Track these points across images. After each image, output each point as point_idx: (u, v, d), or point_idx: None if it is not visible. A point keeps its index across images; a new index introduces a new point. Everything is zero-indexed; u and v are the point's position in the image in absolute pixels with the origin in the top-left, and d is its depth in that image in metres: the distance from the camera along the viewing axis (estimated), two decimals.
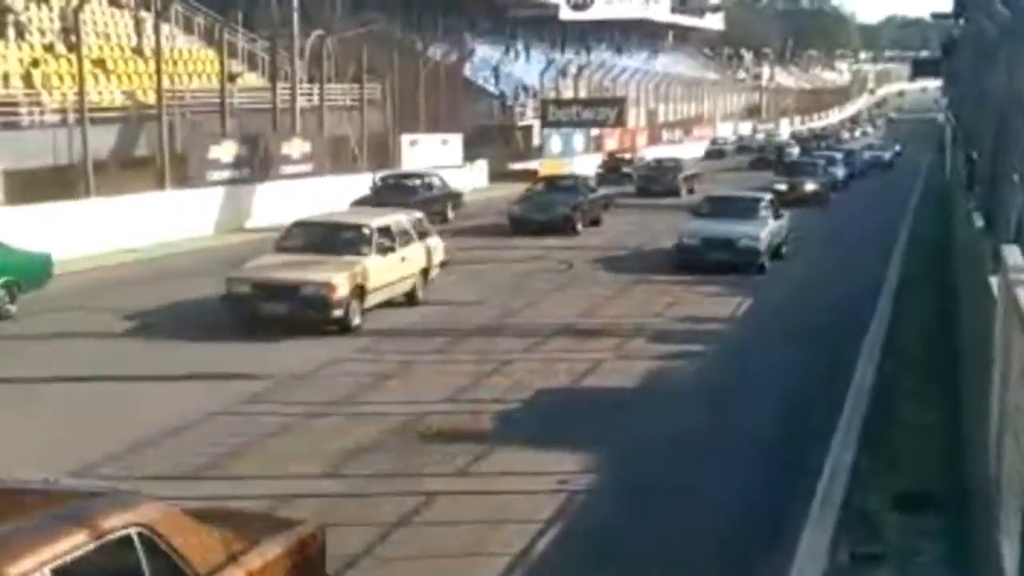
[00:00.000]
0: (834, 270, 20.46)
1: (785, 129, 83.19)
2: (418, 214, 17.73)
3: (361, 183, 30.13)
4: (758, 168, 48.09)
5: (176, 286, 17.37)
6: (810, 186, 34.13)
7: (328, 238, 15.58)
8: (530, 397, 11.58)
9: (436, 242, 17.37)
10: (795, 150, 57.47)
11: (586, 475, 9.17)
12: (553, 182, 29.51)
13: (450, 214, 28.11)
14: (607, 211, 28.90)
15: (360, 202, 25.38)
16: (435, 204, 26.87)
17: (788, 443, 10.10)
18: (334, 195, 26.86)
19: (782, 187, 32.53)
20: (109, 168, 24.36)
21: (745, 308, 17.08)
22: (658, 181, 37.91)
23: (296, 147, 29.84)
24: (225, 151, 26.91)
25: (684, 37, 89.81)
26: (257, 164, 27.88)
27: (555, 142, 47.30)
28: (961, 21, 24.72)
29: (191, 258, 21.46)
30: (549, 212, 26.06)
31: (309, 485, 8.75)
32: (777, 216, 21.66)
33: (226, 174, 26.69)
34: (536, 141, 47.56)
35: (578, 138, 49.21)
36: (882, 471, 8.75)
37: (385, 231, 15.76)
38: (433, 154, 36.69)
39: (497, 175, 39.11)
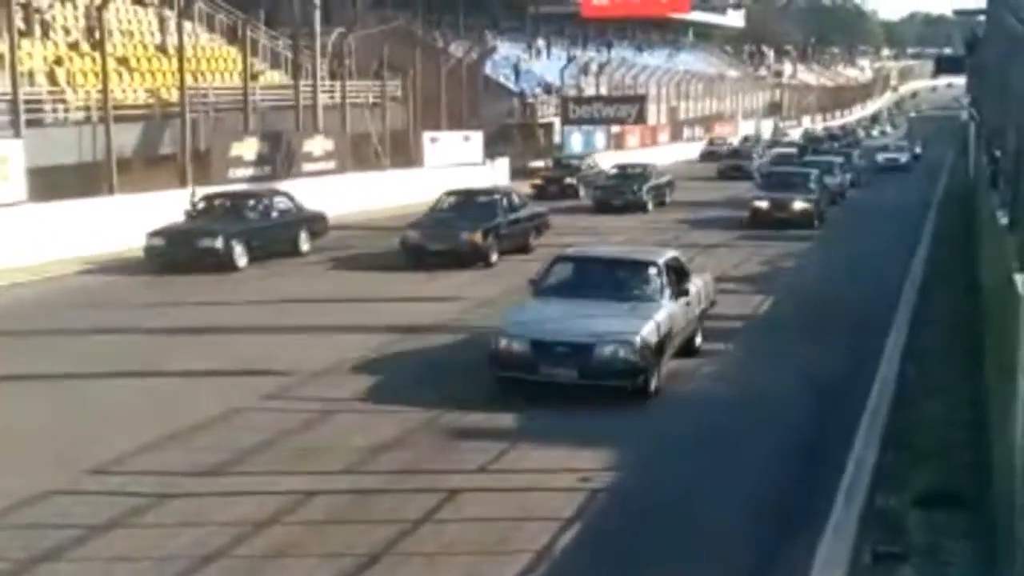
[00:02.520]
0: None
1: (809, 126, 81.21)
2: None
3: (383, 181, 30.21)
4: (730, 177, 41.50)
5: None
6: (799, 204, 26.83)
7: None
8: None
9: None
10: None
11: (607, 472, 9.18)
12: (467, 197, 22.30)
13: (304, 246, 21.64)
14: (541, 234, 22.49)
15: (158, 233, 19.66)
16: (278, 233, 21.09)
17: (813, 444, 10.07)
18: (355, 192, 26.93)
19: (763, 204, 26.93)
20: (132, 165, 24.52)
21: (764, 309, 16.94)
22: (619, 193, 31.34)
23: (318, 144, 29.92)
24: (247, 149, 27.02)
25: (705, 34, 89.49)
26: (279, 162, 27.97)
27: (576, 139, 47.32)
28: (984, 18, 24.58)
29: None
30: (451, 239, 19.96)
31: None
32: (680, 291, 12.22)
33: (248, 172, 26.79)
34: (557, 139, 47.55)
35: (599, 136, 49.22)
36: None
37: None
38: (454, 151, 36.70)
39: (519, 172, 39.10)
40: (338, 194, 27.54)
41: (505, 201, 21.96)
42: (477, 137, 39.19)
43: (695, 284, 13.03)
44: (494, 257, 20.28)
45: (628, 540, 7.76)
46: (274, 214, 21.50)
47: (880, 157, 50.77)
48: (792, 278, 19.70)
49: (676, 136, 60.33)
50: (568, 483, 8.80)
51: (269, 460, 9.33)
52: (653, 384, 11.20)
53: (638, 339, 11.01)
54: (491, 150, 39.89)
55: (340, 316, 15.61)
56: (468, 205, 21.72)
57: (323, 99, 31.32)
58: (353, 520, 8.06)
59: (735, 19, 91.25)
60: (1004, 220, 10.10)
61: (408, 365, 12.70)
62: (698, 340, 13.17)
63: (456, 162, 35.85)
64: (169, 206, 23.24)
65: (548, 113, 48.90)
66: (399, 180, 31.67)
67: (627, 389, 10.93)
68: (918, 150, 56.40)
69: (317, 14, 32.04)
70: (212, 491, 8.62)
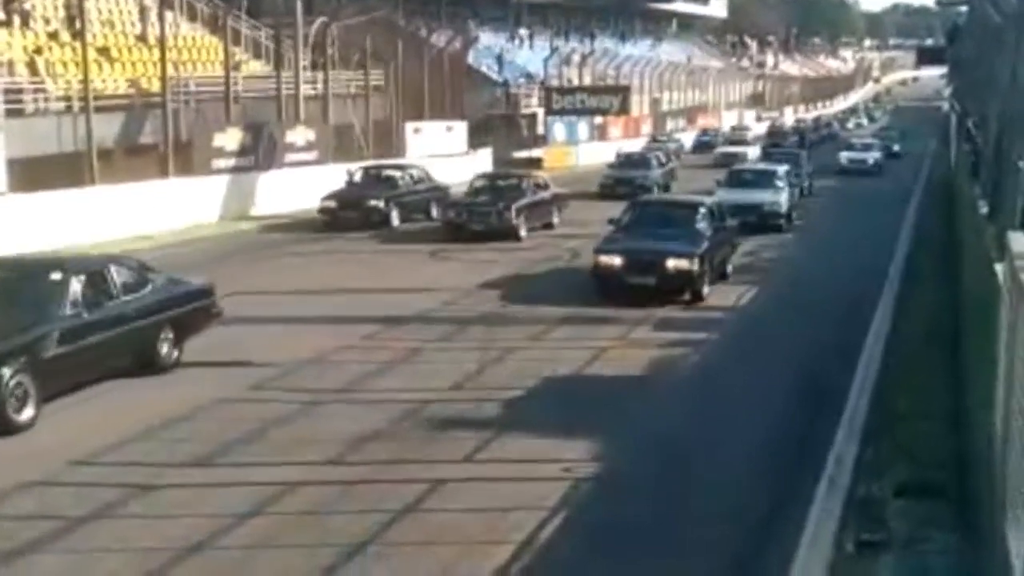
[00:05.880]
0: None
1: (778, 118, 77.25)
2: None
3: None
4: (615, 196, 27.92)
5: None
6: (674, 262, 15.94)
7: None
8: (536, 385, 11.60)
9: None
10: (751, 152, 42.56)
11: (591, 463, 9.21)
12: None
13: None
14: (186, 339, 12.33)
15: None
16: None
17: (794, 440, 10.13)
18: (338, 183, 26.71)
19: (613, 262, 16.09)
20: (113, 156, 24.40)
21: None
22: (479, 215, 22.72)
23: (300, 135, 29.83)
24: (229, 139, 26.92)
25: (688, 25, 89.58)
26: (261, 152, 27.87)
27: (559, 130, 47.36)
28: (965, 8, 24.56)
29: (210, 244, 21.80)
30: None
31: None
32: None
33: (230, 162, 26.69)
34: (540, 129, 47.55)
35: (582, 126, 49.26)
36: None
37: None
38: (437, 142, 36.65)
39: (502, 163, 39.05)
40: (319, 184, 27.44)
41: (94, 276, 11.24)
42: (460, 127, 39.15)
43: None
44: (24, 415, 9.82)
45: (610, 529, 7.81)
46: None
47: (843, 157, 42.08)
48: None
49: (659, 127, 60.33)
50: (553, 473, 8.84)
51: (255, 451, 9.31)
52: None
53: None
54: (474, 140, 39.85)
55: None
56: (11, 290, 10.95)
57: (305, 89, 31.21)
58: (338, 511, 8.07)
59: (717, 9, 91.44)
60: (984, 210, 10.17)
61: None
62: None
63: (439, 152, 35.81)
64: (152, 197, 23.26)
65: (531, 104, 48.87)
66: None
67: None
68: (896, 147, 49.21)
69: (299, 4, 31.92)
70: (195, 482, 8.62)
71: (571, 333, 14.14)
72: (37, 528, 7.59)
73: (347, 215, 24.24)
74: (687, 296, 16.04)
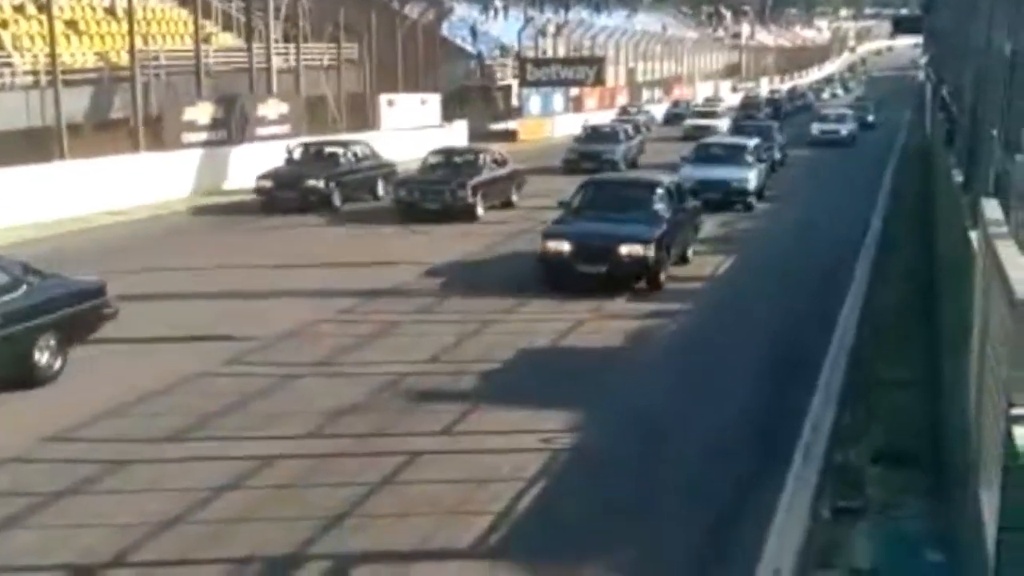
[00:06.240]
0: None
1: (750, 90, 73.87)
2: None
3: None
4: (582, 170, 25.92)
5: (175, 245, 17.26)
6: (627, 248, 14.53)
7: None
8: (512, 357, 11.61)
9: None
10: (722, 124, 41.64)
11: (569, 434, 9.22)
12: None
13: None
14: None
15: None
16: None
17: (767, 408, 10.18)
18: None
19: (562, 248, 14.81)
20: (83, 130, 24.12)
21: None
22: (433, 193, 21.43)
23: (273, 108, 29.59)
24: (201, 113, 26.66)
25: None
26: (234, 126, 27.62)
27: (534, 102, 47.19)
28: None
29: (182, 218, 21.67)
30: None
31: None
32: None
33: (202, 136, 26.45)
34: (516, 101, 47.36)
35: (557, 98, 49.12)
36: None
37: None
38: (412, 114, 36.48)
39: (478, 136, 38.90)
40: None
41: None
42: (434, 100, 38.98)
43: None
44: None
45: (589, 499, 7.82)
46: None
47: (815, 128, 41.87)
48: None
49: (635, 98, 60.22)
50: (530, 444, 8.84)
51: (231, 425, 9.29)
52: None
53: None
54: (449, 113, 39.66)
55: None
56: None
57: (277, 62, 30.93)
58: (315, 484, 8.05)
59: None
60: (959, 179, 10.22)
61: None
62: None
63: (414, 125, 35.66)
64: (123, 172, 23.02)
65: (506, 75, 48.65)
66: None
67: None
68: (871, 117, 49.49)
69: None
70: (172, 457, 8.58)
71: (548, 306, 14.11)
72: (12, 504, 7.53)
73: (284, 195, 22.40)
74: (643, 284, 14.75)
